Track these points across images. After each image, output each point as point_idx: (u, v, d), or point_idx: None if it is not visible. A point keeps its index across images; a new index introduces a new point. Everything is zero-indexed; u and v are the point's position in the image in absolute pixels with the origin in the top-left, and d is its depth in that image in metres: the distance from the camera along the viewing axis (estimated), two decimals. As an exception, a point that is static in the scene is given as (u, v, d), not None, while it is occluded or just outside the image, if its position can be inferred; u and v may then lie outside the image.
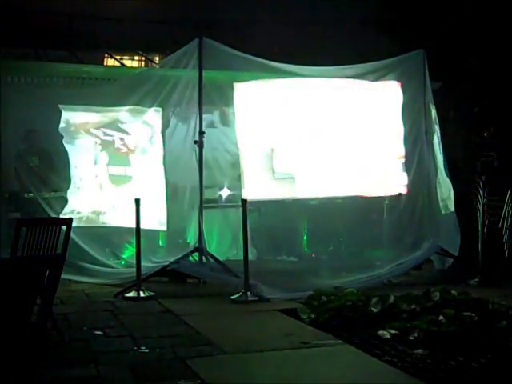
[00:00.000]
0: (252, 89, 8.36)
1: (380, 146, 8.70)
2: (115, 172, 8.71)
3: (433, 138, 8.68)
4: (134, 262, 7.47)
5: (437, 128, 8.75)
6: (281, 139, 8.38)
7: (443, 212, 8.59)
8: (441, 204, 8.59)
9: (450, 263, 8.59)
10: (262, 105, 8.35)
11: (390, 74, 8.68)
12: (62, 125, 8.61)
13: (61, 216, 8.08)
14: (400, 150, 8.76)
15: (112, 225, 8.60)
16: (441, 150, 8.71)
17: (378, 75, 8.64)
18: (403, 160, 8.75)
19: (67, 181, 8.60)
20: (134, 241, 7.61)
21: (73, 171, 8.67)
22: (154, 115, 8.52)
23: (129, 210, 7.62)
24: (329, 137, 8.54)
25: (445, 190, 8.72)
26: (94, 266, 8.15)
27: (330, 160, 8.47)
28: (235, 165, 8.39)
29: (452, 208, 8.73)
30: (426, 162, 8.61)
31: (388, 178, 8.72)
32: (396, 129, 8.78)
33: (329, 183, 8.45)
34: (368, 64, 8.58)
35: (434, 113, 8.73)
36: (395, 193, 8.57)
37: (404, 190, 8.61)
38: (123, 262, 8.47)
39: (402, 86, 8.80)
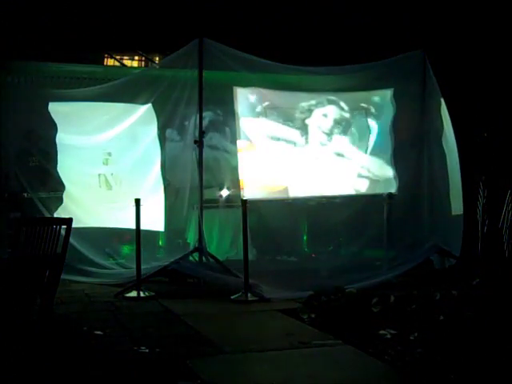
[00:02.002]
0: (251, 93, 8.39)
1: (371, 147, 8.82)
2: (112, 171, 8.68)
3: (439, 139, 8.64)
4: (129, 263, 7.40)
5: (450, 128, 8.67)
6: (278, 141, 8.45)
7: (453, 213, 8.55)
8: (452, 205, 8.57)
9: (452, 263, 8.57)
10: (260, 108, 8.40)
11: (388, 74, 8.68)
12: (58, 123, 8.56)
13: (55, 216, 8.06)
14: (393, 152, 8.83)
15: (108, 225, 8.55)
16: (448, 151, 8.65)
17: (375, 75, 8.65)
18: (398, 161, 8.79)
19: (62, 181, 8.57)
20: (131, 241, 7.59)
21: (67, 170, 8.64)
22: (152, 114, 8.50)
23: (127, 210, 7.60)
24: (323, 140, 8.66)
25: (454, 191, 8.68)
26: (92, 268, 8.12)
27: (324, 162, 8.60)
28: (235, 165, 8.39)
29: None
30: (426, 162, 8.61)
31: (377, 178, 8.84)
32: (390, 131, 8.84)
33: (323, 185, 8.57)
34: (366, 64, 8.58)
35: (443, 113, 8.67)
36: (385, 193, 8.63)
37: (394, 190, 8.66)
38: (118, 263, 8.43)
39: (400, 88, 8.81)
